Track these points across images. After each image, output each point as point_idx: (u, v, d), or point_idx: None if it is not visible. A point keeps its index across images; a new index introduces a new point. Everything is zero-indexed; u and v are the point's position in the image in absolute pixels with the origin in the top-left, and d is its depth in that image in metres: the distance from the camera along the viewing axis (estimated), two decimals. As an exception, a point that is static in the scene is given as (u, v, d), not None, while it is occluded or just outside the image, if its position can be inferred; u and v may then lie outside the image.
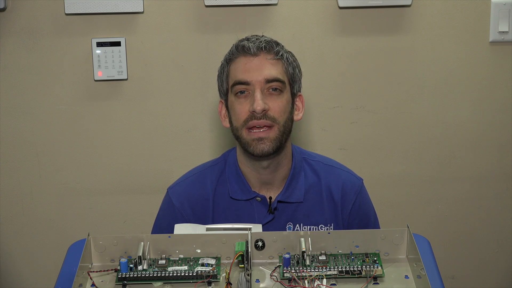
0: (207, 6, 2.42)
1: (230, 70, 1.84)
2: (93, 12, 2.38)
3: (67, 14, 2.40)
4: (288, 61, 1.84)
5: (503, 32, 2.48)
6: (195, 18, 2.43)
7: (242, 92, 1.81)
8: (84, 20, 2.41)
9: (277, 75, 1.80)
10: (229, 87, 1.84)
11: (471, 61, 2.51)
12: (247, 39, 1.85)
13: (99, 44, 2.41)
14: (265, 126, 1.79)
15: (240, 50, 1.83)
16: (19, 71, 2.43)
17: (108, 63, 2.42)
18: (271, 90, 1.80)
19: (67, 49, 2.43)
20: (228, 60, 1.85)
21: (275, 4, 2.43)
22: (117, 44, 2.41)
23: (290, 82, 1.84)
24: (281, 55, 1.82)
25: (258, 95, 1.78)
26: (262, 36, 1.86)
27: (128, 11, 2.39)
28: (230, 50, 1.86)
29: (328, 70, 2.50)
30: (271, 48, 1.82)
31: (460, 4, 2.47)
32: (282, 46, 1.86)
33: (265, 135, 1.79)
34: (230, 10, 2.43)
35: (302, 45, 2.44)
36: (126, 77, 2.45)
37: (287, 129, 1.83)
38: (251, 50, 1.81)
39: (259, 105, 1.77)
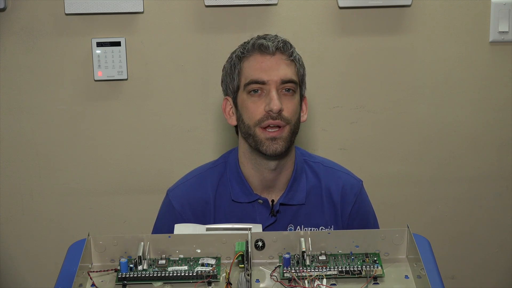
0: (207, 6, 2.42)
1: (244, 67, 1.81)
2: (93, 12, 2.38)
3: (67, 14, 2.40)
4: (299, 63, 1.84)
5: (503, 32, 2.48)
6: (195, 18, 2.43)
7: (255, 91, 1.79)
8: (84, 20, 2.41)
9: (292, 76, 1.80)
10: (240, 85, 1.82)
11: (471, 61, 2.51)
12: (264, 37, 1.83)
13: (99, 44, 2.41)
14: (277, 126, 1.78)
15: (257, 48, 1.80)
16: (19, 71, 2.43)
17: (108, 63, 2.42)
18: (284, 90, 1.79)
19: (67, 49, 2.42)
20: (241, 57, 1.82)
21: (275, 4, 2.43)
22: (117, 44, 2.41)
23: (300, 84, 1.84)
24: (295, 56, 1.82)
25: (275, 95, 1.76)
26: (276, 35, 1.85)
27: (128, 11, 2.39)
28: (244, 47, 1.83)
29: (328, 70, 2.49)
30: (287, 48, 1.82)
31: (460, 4, 2.47)
32: (294, 47, 1.85)
33: (278, 134, 1.78)
34: (230, 10, 2.43)
35: (302, 45, 2.43)
36: (126, 77, 2.45)
37: (297, 129, 1.83)
38: (270, 49, 1.79)
39: (276, 104, 1.75)
